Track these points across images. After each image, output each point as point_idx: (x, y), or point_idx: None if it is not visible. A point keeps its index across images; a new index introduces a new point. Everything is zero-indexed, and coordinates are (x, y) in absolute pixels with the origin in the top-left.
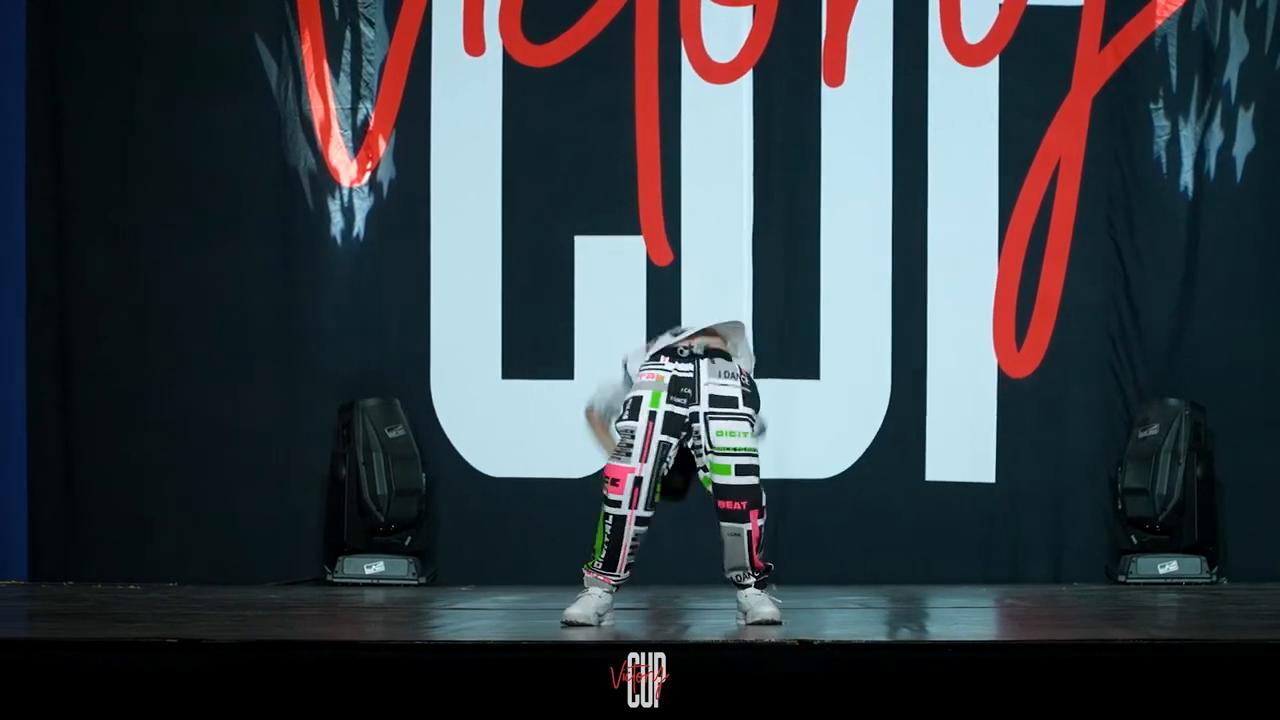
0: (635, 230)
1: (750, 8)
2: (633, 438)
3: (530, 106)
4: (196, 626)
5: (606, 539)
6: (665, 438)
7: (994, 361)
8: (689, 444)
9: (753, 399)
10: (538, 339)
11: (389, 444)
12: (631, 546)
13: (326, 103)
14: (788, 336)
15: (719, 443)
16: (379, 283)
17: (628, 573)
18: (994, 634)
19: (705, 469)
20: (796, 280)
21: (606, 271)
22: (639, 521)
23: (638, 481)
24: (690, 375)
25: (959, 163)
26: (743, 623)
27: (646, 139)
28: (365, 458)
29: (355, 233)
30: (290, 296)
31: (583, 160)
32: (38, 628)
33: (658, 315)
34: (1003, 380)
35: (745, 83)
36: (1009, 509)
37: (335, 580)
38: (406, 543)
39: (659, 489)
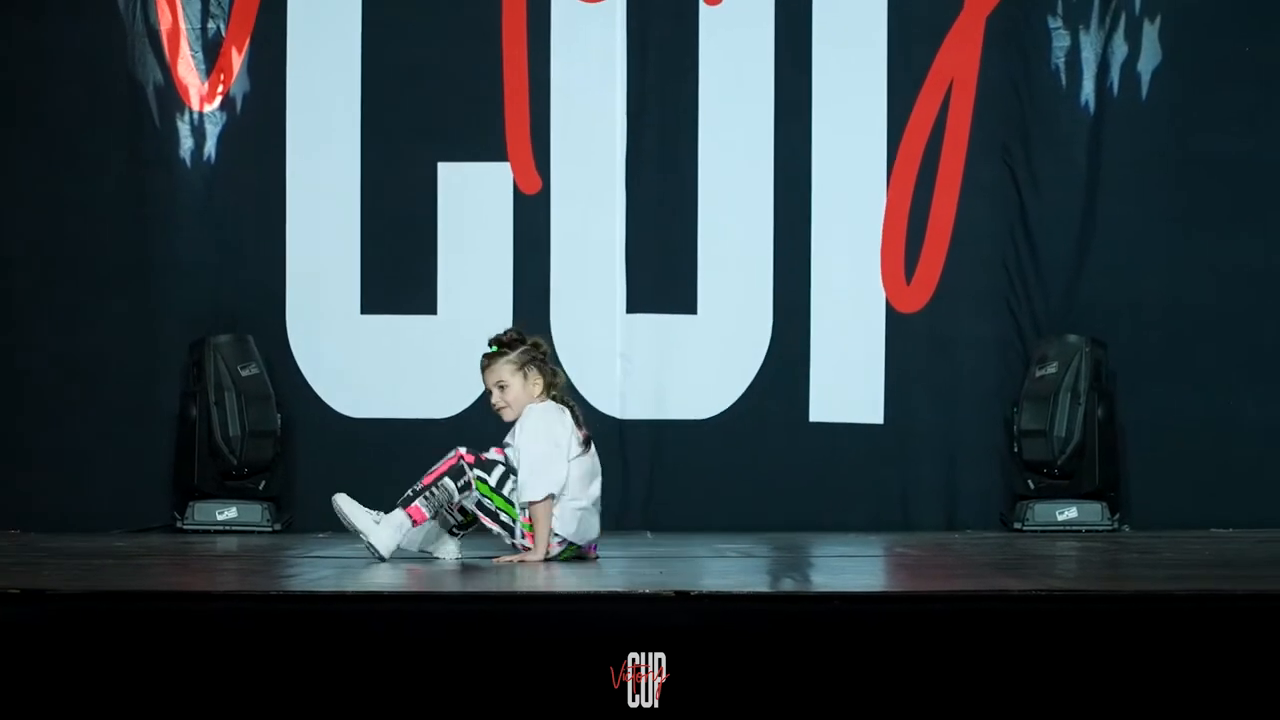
0: (502, 156)
1: None
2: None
3: (392, 26)
4: (40, 576)
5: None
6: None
7: (882, 295)
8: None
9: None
10: (399, 272)
11: (242, 383)
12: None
13: (175, 13)
14: (663, 269)
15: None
16: (231, 210)
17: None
18: (883, 584)
19: None
20: (672, 209)
21: (471, 200)
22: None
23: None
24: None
25: (845, 85)
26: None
27: (514, 60)
28: (217, 397)
29: (206, 155)
30: (137, 224)
31: (447, 82)
32: None
33: (525, 246)
34: (891, 315)
35: (619, 0)
36: (898, 452)
37: (186, 527)
38: (260, 487)
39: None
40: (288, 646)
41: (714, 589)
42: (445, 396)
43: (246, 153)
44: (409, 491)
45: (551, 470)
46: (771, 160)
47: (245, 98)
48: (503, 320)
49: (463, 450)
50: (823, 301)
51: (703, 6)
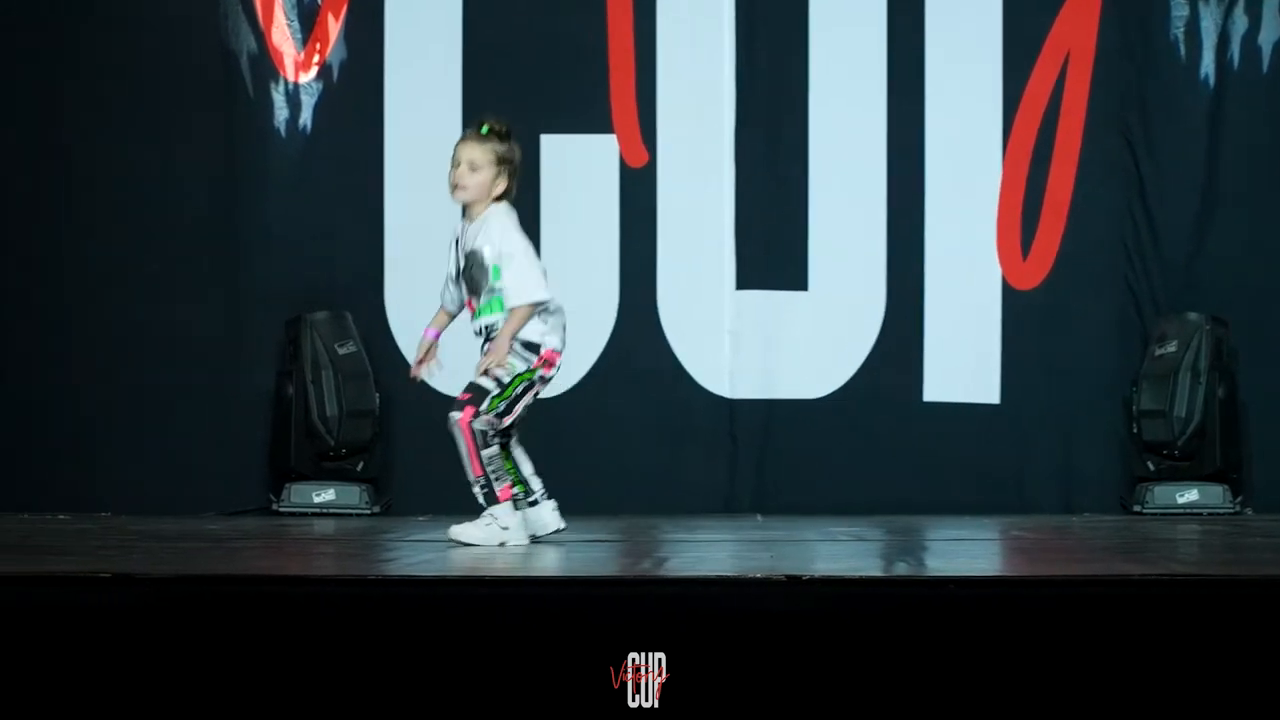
0: (607, 129)
1: None
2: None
3: None
4: (132, 560)
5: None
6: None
7: (998, 272)
8: None
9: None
10: None
11: (339, 361)
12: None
13: None
14: (773, 244)
15: None
16: (328, 183)
17: (524, 493)
18: (998, 568)
19: None
20: (782, 183)
21: (575, 173)
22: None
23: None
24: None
25: (959, 57)
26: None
27: (619, 29)
28: (314, 376)
29: (302, 125)
30: (231, 198)
31: (550, 52)
32: None
33: (632, 221)
34: (1007, 292)
35: None
36: (1014, 433)
37: (281, 509)
38: (358, 468)
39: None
40: (384, 633)
41: (826, 573)
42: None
43: (344, 123)
44: (477, 490)
45: (537, 273)
46: (884, 133)
47: (342, 66)
48: (610, 297)
49: (456, 415)
50: (937, 278)
51: None
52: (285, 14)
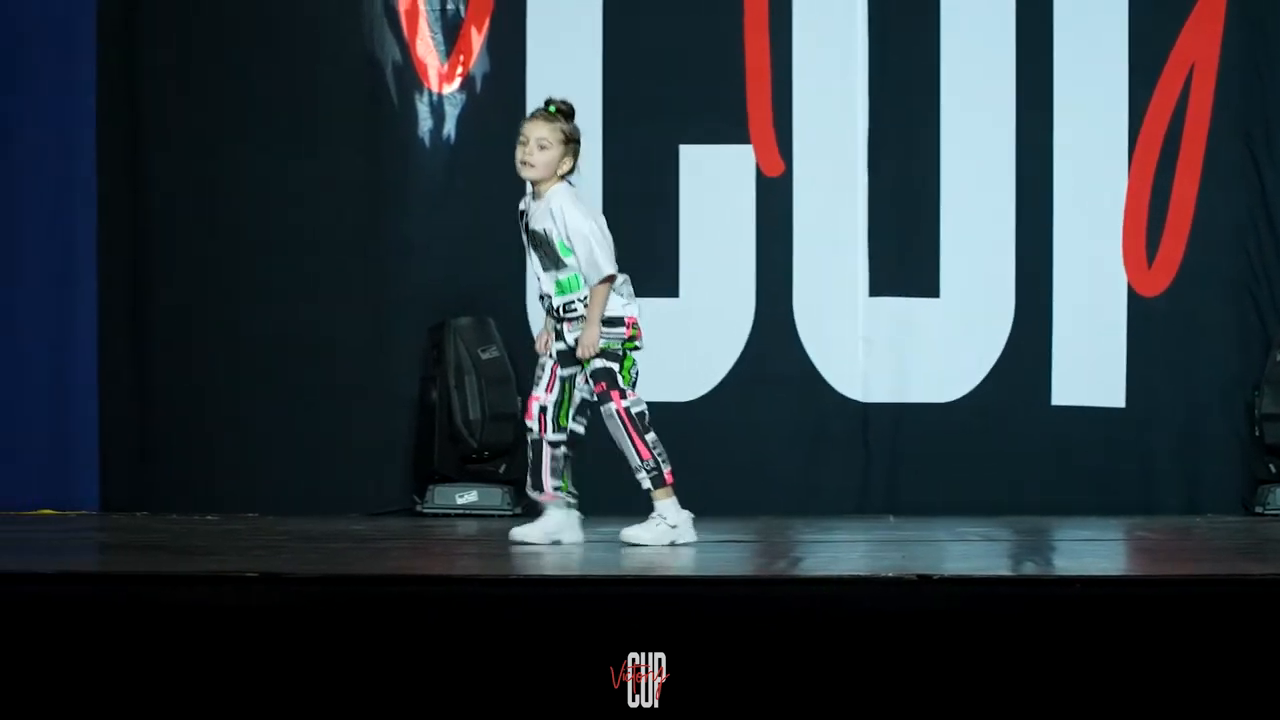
0: (744, 139)
1: None
2: (541, 370)
3: (632, 6)
4: (278, 560)
5: (530, 460)
6: (565, 372)
7: (1124, 279)
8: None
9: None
10: (640, 254)
11: (482, 366)
12: (552, 467)
13: None
14: (905, 252)
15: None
16: (470, 192)
17: (560, 492)
18: (1123, 568)
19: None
20: (914, 192)
21: (713, 182)
22: (554, 444)
23: (543, 409)
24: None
25: (1086, 68)
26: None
27: (755, 41)
28: (457, 380)
29: (445, 135)
30: (377, 207)
31: (688, 63)
32: (109, 560)
33: (768, 229)
34: (1133, 299)
35: None
36: (1139, 435)
37: (425, 510)
38: (501, 470)
39: (566, 414)
40: (527, 630)
41: (955, 573)
42: (686, 380)
43: (486, 134)
44: (644, 475)
45: (608, 249)
46: (1013, 143)
47: (485, 78)
48: (746, 304)
49: (610, 405)
50: (1064, 284)
51: None
52: (429, 26)
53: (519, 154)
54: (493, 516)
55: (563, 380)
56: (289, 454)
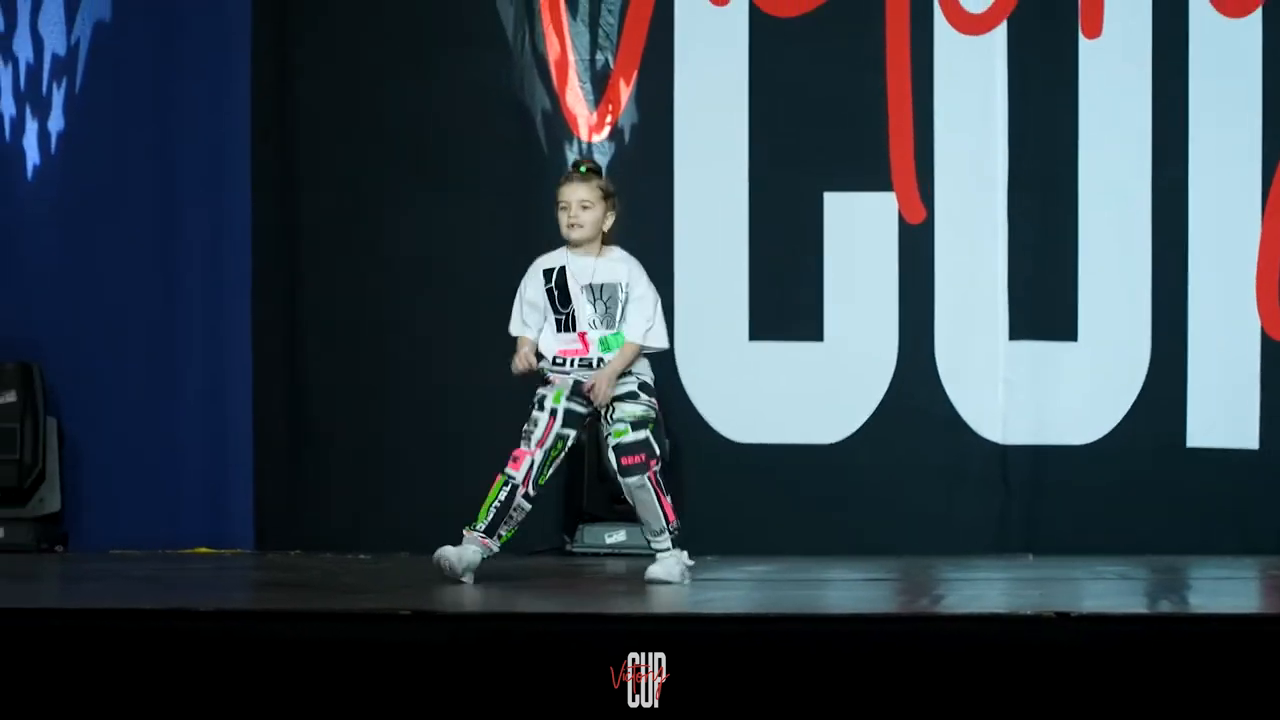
0: (887, 186)
1: None
2: (535, 426)
3: (777, 57)
4: (430, 598)
5: (497, 505)
6: (564, 430)
7: (1257, 323)
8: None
9: (649, 393)
10: (785, 299)
11: None
12: (508, 518)
13: (564, 43)
14: (1043, 297)
15: (617, 414)
16: (620, 239)
17: (498, 543)
18: (1259, 606)
19: (606, 440)
20: (1053, 238)
21: (857, 229)
22: (525, 498)
23: (532, 464)
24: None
25: (1220, 117)
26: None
27: (898, 92)
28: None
29: None
30: (526, 252)
31: (831, 113)
32: (264, 598)
33: (910, 276)
34: (1266, 342)
35: (999, 33)
36: (1273, 477)
37: (575, 550)
38: None
39: (546, 473)
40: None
41: (1092, 610)
42: (831, 422)
43: (634, 182)
44: (666, 536)
45: (663, 321)
46: (1149, 189)
47: (633, 129)
48: (889, 347)
49: (642, 476)
50: (1199, 328)
51: (1082, 40)
52: (579, 77)
53: (564, 219)
54: (641, 555)
55: (558, 437)
56: (440, 494)
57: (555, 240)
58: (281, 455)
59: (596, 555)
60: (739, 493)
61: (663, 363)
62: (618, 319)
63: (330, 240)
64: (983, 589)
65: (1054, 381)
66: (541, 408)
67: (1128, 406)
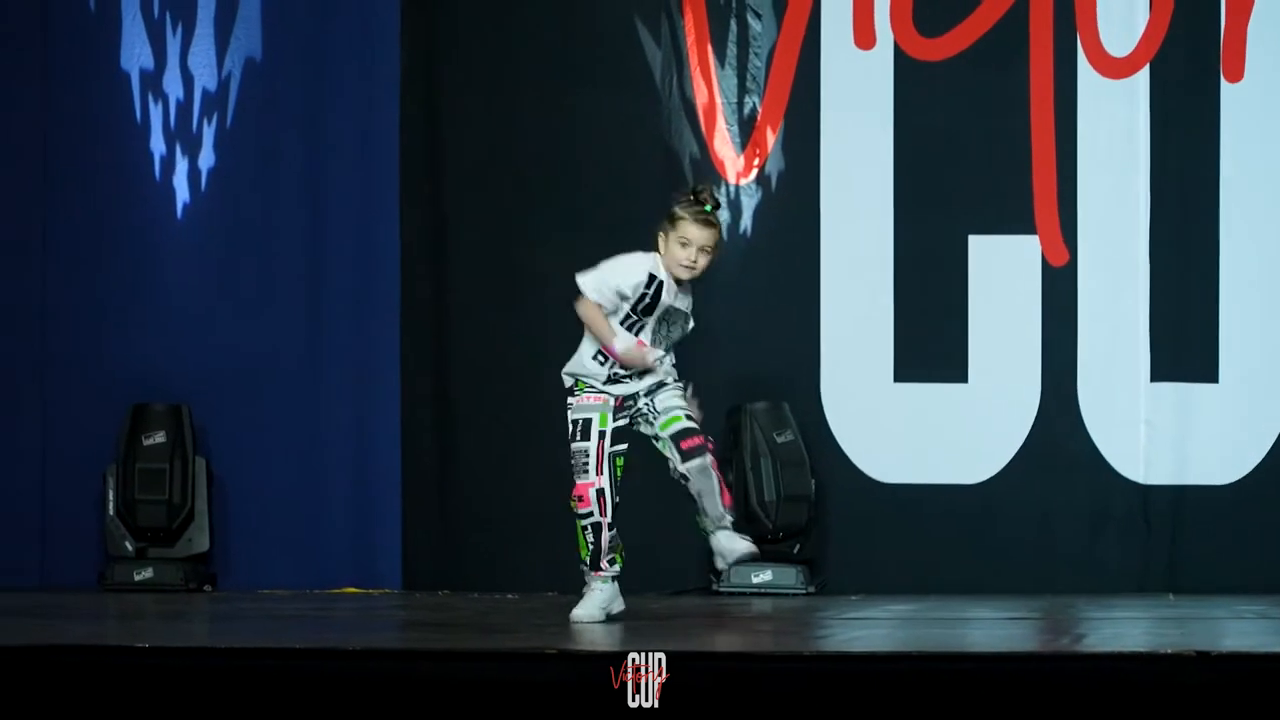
0: (1030, 229)
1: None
2: (587, 456)
3: (922, 101)
4: (575, 637)
5: (590, 544)
6: (614, 449)
7: None
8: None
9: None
10: (930, 341)
11: (777, 449)
12: (610, 546)
13: (711, 88)
14: (1185, 339)
15: (662, 405)
16: (767, 281)
17: (615, 566)
18: None
19: (658, 437)
20: (1195, 280)
21: (1000, 271)
22: (610, 526)
23: (600, 492)
24: (632, 392)
25: None
26: (723, 565)
27: (1041, 135)
28: (753, 463)
29: (742, 229)
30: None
31: (976, 157)
32: (411, 638)
33: (1053, 316)
34: None
35: (1142, 77)
36: None
37: (721, 590)
38: (795, 550)
39: (615, 492)
40: (814, 705)
41: (1233, 649)
42: (975, 463)
43: (781, 226)
44: (728, 519)
45: None
46: None
47: (780, 175)
48: (1033, 388)
49: (708, 457)
50: None
51: (1224, 83)
52: (726, 122)
53: (683, 255)
54: (787, 595)
55: (610, 457)
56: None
57: (705, 284)
58: (429, 494)
59: (743, 594)
60: (883, 532)
61: (809, 403)
62: (677, 335)
63: (478, 279)
64: (1124, 628)
65: (1195, 422)
66: (587, 435)
67: (1268, 447)
